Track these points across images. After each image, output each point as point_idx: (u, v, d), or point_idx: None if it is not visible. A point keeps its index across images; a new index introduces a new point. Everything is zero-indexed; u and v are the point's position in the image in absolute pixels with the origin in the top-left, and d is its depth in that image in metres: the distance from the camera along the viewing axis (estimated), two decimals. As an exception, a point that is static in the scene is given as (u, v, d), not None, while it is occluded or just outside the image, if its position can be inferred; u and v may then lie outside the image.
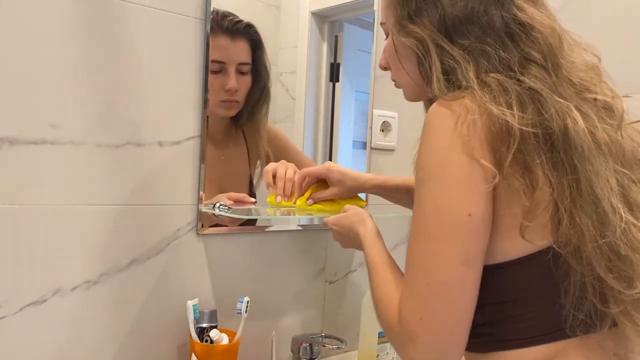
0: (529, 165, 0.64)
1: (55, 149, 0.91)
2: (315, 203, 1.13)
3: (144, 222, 1.01)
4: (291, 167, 1.14)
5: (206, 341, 1.02)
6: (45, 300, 0.91)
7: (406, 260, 0.71)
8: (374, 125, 1.39)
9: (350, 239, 0.96)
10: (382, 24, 0.83)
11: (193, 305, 1.01)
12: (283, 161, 1.15)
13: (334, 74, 1.33)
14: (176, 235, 1.05)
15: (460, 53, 0.69)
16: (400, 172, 1.46)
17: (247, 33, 1.13)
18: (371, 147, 1.40)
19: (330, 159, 1.34)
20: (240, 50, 1.12)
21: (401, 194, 1.13)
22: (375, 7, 1.36)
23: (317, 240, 1.30)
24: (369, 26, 1.36)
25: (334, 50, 1.33)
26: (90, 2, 0.93)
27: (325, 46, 1.32)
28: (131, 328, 1.01)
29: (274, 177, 1.12)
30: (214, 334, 1.01)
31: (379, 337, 1.24)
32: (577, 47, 0.74)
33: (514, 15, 0.70)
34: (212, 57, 1.07)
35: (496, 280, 0.69)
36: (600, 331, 0.67)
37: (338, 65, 1.33)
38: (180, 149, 1.05)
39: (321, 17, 1.30)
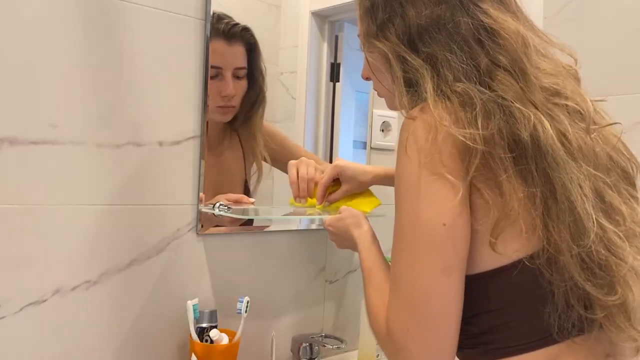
0: (496, 177, 0.65)
1: (55, 149, 0.91)
2: (331, 204, 1.14)
3: (144, 222, 1.01)
4: (312, 165, 1.14)
5: (206, 341, 1.02)
6: (45, 300, 0.91)
7: (391, 271, 0.72)
8: (374, 125, 1.39)
9: (346, 240, 0.96)
10: (358, 35, 0.84)
11: (193, 305, 1.01)
12: (303, 159, 1.15)
13: (334, 74, 1.33)
14: (176, 235, 1.05)
15: (421, 63, 0.70)
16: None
17: (244, 37, 1.12)
18: (371, 147, 1.40)
19: (330, 159, 1.34)
20: (236, 55, 1.11)
21: None
22: (376, 7, 1.36)
23: (317, 240, 1.30)
24: (369, 26, 1.36)
25: (334, 50, 1.33)
26: (90, 2, 0.93)
27: (325, 46, 1.32)
28: (131, 328, 1.01)
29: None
30: (214, 334, 1.01)
31: (379, 337, 1.24)
32: (551, 48, 0.74)
33: (480, 21, 0.70)
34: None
35: (484, 289, 0.69)
36: (590, 334, 0.67)
37: (338, 65, 1.33)
38: (180, 149, 1.05)
39: (321, 17, 1.30)
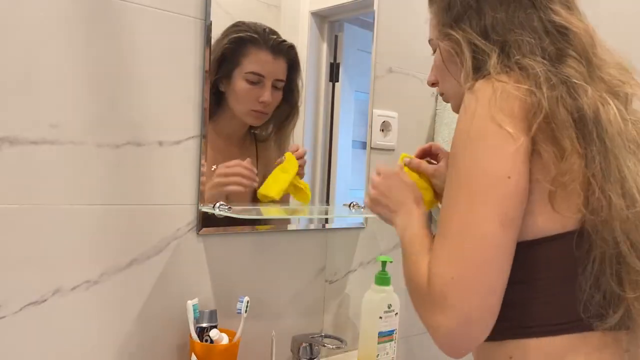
0: (557, 136, 0.66)
1: (55, 149, 0.91)
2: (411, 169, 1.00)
3: (144, 222, 1.01)
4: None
5: (206, 341, 1.02)
6: (45, 300, 0.91)
7: (439, 221, 0.71)
8: (373, 125, 1.39)
9: (387, 199, 0.88)
10: (429, 40, 0.86)
11: (193, 305, 1.01)
12: None
13: (333, 74, 1.33)
14: (176, 235, 1.05)
15: (491, 47, 0.73)
16: (400, 172, 1.46)
17: (289, 53, 1.21)
18: (371, 147, 1.40)
19: (330, 159, 1.34)
20: (279, 68, 1.19)
21: None
22: (375, 7, 1.36)
23: (317, 240, 1.30)
24: (369, 26, 1.36)
25: (334, 50, 1.33)
26: (90, 2, 0.93)
27: (325, 46, 1.32)
28: (131, 328, 1.01)
29: None
30: (214, 333, 1.01)
31: (378, 337, 1.24)
32: (610, 51, 0.77)
33: (551, 18, 0.73)
34: (251, 68, 1.14)
35: (522, 258, 0.68)
36: (613, 317, 0.67)
37: (338, 65, 1.33)
38: (180, 149, 1.05)
39: (321, 17, 1.30)
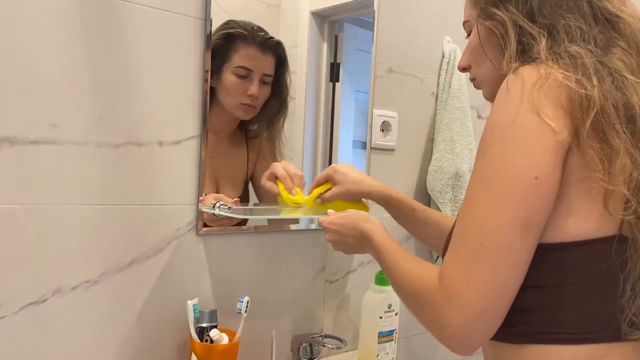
0: (608, 135, 0.63)
1: (55, 149, 0.91)
2: (323, 203, 1.13)
3: (144, 222, 1.01)
4: (291, 165, 1.20)
5: (206, 341, 1.02)
6: (45, 300, 0.91)
7: (458, 222, 0.69)
8: (374, 125, 1.39)
9: (351, 238, 0.94)
10: (464, 23, 0.83)
11: (193, 305, 1.01)
12: (284, 160, 1.22)
13: (334, 74, 1.33)
14: (176, 235, 1.05)
15: (538, 31, 0.69)
16: (400, 171, 1.46)
17: (276, 49, 1.22)
18: (371, 147, 1.40)
19: (330, 159, 1.34)
20: (267, 63, 1.20)
21: (417, 220, 1.10)
22: (376, 7, 1.36)
23: (317, 240, 1.30)
24: (369, 26, 1.36)
25: (334, 50, 1.33)
26: (91, 2, 0.93)
27: (325, 46, 1.32)
28: (131, 328, 1.01)
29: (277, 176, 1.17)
30: (214, 333, 1.01)
31: (378, 337, 1.24)
32: None
33: (603, 5, 0.70)
34: (240, 63, 1.15)
35: (555, 261, 0.66)
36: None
37: (338, 65, 1.33)
38: (180, 149, 1.05)
39: (321, 17, 1.30)
